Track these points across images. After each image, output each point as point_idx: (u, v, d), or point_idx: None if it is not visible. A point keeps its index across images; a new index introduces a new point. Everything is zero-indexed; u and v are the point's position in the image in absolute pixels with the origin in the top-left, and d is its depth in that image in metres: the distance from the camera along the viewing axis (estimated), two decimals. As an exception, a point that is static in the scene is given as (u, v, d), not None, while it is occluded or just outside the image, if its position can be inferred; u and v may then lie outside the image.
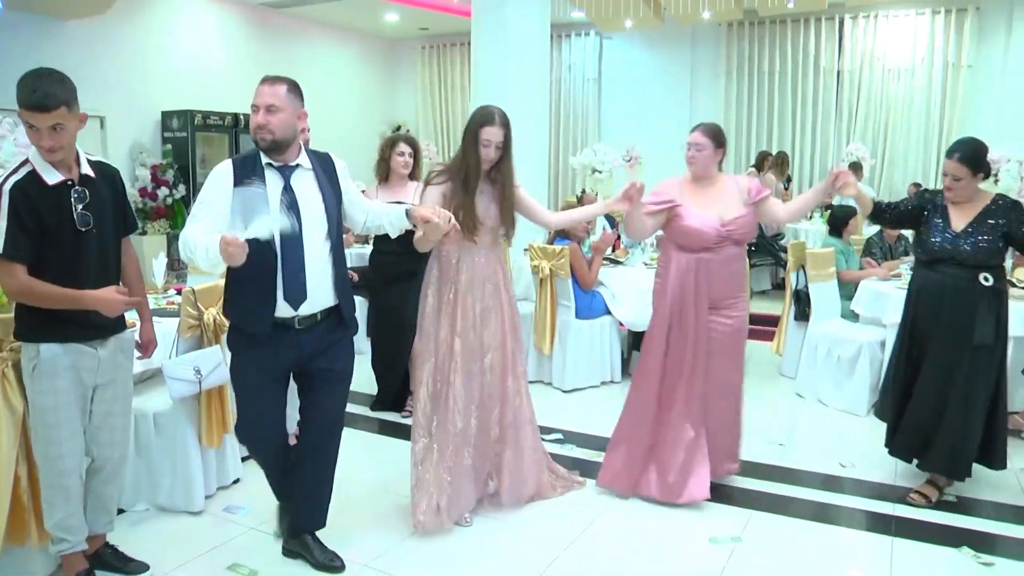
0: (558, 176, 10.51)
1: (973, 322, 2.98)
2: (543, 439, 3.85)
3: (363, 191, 3.83)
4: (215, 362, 2.90)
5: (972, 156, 3.01)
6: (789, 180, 8.80)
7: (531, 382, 4.78)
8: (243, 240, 2.12)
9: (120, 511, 2.85)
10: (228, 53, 8.86)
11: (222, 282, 2.65)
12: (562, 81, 10.56)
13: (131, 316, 2.61)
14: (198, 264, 2.28)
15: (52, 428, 2.28)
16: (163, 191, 7.64)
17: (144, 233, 7.38)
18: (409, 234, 2.74)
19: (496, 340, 2.97)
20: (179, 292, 3.39)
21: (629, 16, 8.57)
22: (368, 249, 5.34)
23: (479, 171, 2.86)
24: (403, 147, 4.09)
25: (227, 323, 2.68)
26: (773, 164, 8.16)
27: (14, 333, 2.30)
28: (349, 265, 5.09)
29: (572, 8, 8.91)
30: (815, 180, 9.40)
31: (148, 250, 6.54)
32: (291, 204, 2.37)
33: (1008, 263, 4.25)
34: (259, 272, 2.31)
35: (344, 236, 3.96)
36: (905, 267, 4.47)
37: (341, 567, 2.63)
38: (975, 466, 3.13)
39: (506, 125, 2.88)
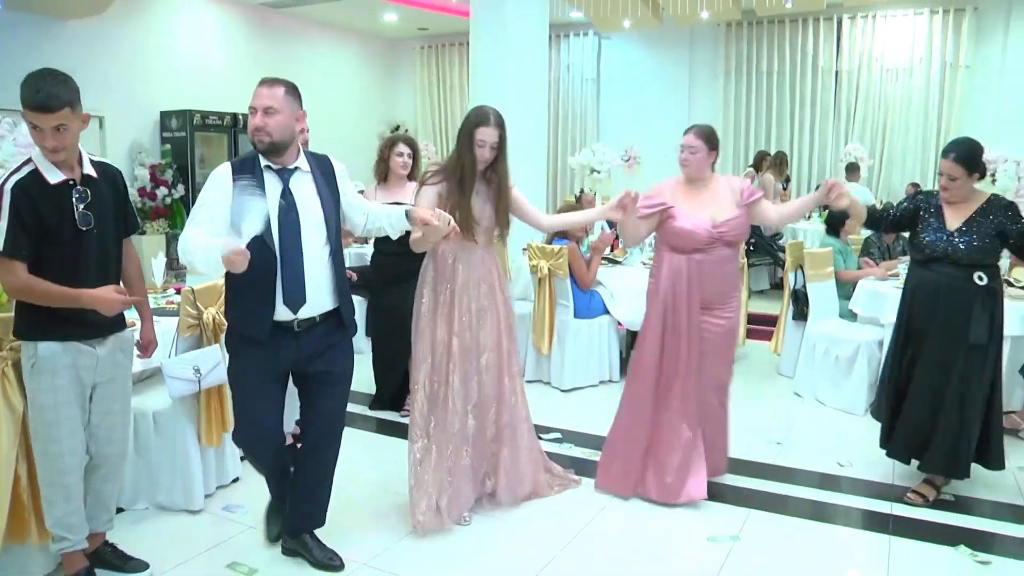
0: (556, 176, 10.52)
1: (968, 321, 2.99)
2: (541, 438, 3.86)
3: (362, 191, 3.84)
4: (214, 361, 2.91)
5: (968, 156, 3.02)
6: (788, 180, 8.81)
7: (530, 381, 4.83)
8: (244, 248, 2.14)
9: (120, 510, 2.85)
10: (227, 53, 8.87)
11: (221, 281, 2.66)
12: (561, 81, 10.58)
13: (131, 316, 2.61)
14: (197, 267, 2.29)
15: (51, 426, 2.29)
16: (162, 191, 7.64)
17: (143, 233, 7.38)
18: (410, 234, 2.75)
19: (492, 340, 2.98)
20: (178, 292, 3.40)
21: (627, 16, 8.58)
22: (367, 249, 5.38)
23: (475, 172, 2.87)
24: (402, 148, 4.10)
25: (226, 324, 2.68)
26: (772, 164, 8.18)
27: (13, 331, 2.31)
28: (348, 265, 5.11)
29: (571, 8, 8.92)
30: (814, 180, 9.42)
31: (147, 250, 6.54)
32: (289, 207, 2.38)
33: (1006, 262, 4.27)
34: (258, 276, 2.31)
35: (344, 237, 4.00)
36: (903, 267, 4.48)
37: (340, 566, 2.64)
38: (973, 465, 3.13)
39: (501, 125, 2.88)
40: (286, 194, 2.39)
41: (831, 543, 2.91)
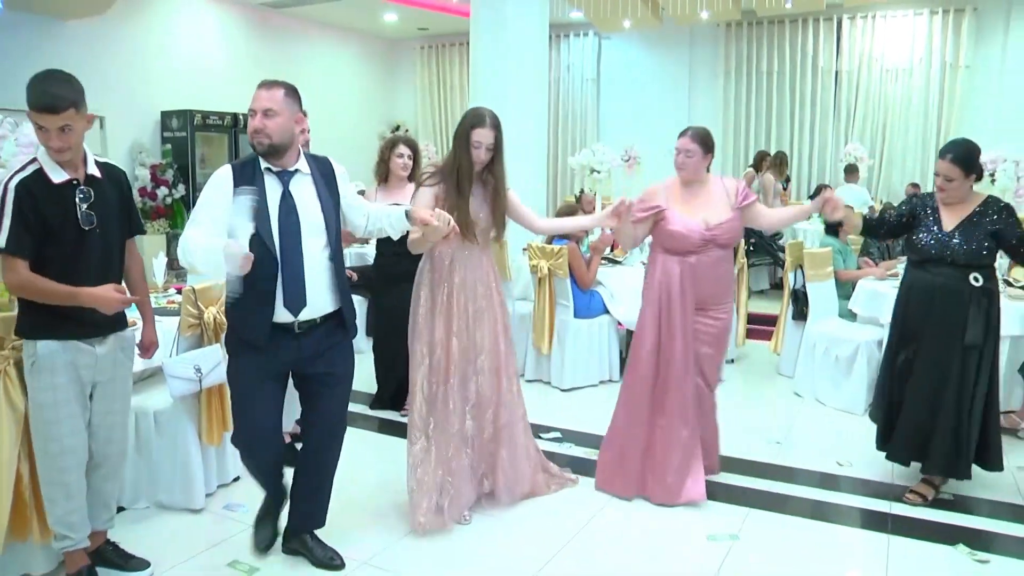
0: (557, 176, 10.53)
1: (964, 322, 2.99)
2: (541, 437, 3.88)
3: (362, 192, 3.85)
4: (215, 360, 2.91)
5: (965, 157, 3.02)
6: (788, 180, 8.82)
7: (529, 381, 4.84)
8: (247, 252, 2.15)
9: (121, 509, 2.86)
10: (228, 53, 8.87)
11: (222, 281, 2.66)
12: (561, 81, 10.58)
13: (133, 315, 2.62)
14: (198, 268, 2.28)
15: (51, 424, 2.30)
16: (162, 191, 7.65)
17: (144, 232, 7.39)
18: (409, 235, 2.76)
19: (489, 341, 2.98)
20: (179, 291, 3.40)
21: (627, 16, 8.59)
22: (367, 249, 5.39)
23: (471, 173, 2.88)
24: (402, 149, 4.11)
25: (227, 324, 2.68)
26: (772, 164, 8.19)
27: (16, 330, 2.33)
28: (348, 265, 5.11)
29: (571, 8, 8.93)
30: (814, 180, 9.43)
31: (148, 249, 6.51)
32: (289, 210, 2.38)
33: (1005, 262, 4.27)
34: (258, 279, 2.30)
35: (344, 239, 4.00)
36: (902, 266, 4.49)
37: (341, 564, 2.64)
38: (973, 466, 3.13)
39: (497, 127, 2.89)
40: (286, 197, 2.39)
41: (830, 542, 2.92)
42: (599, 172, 8.64)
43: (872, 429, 3.39)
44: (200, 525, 2.93)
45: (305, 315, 2.42)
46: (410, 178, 4.13)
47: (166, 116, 8.10)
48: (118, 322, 2.43)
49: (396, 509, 3.05)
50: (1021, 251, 3.05)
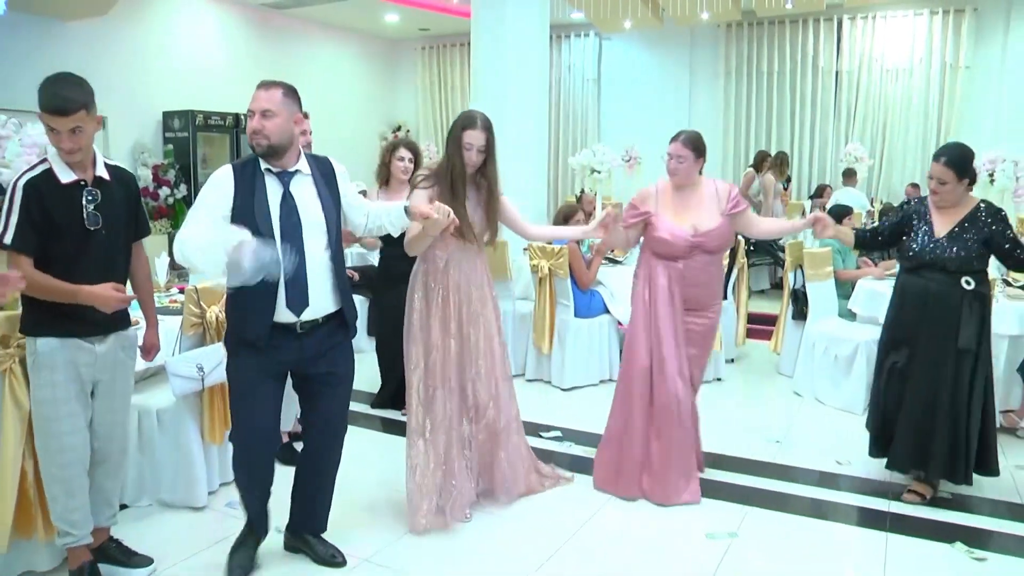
0: (557, 176, 10.56)
1: (957, 325, 2.99)
2: (542, 436, 3.91)
3: (363, 192, 3.87)
4: (217, 359, 2.92)
5: (958, 160, 3.01)
6: (789, 180, 8.83)
7: (530, 380, 4.86)
8: (248, 235, 2.14)
9: (124, 506, 2.88)
10: (229, 54, 8.90)
11: (220, 278, 2.64)
12: (561, 82, 10.61)
13: (136, 314, 2.64)
14: (196, 265, 2.26)
15: (51, 421, 2.32)
16: (164, 191, 7.68)
17: (149, 234, 7.41)
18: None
19: (484, 343, 3.00)
20: (181, 291, 3.42)
21: (628, 17, 8.61)
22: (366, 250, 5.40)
23: (464, 175, 2.89)
24: (403, 152, 4.13)
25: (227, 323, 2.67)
26: (772, 164, 8.20)
27: (20, 328, 2.35)
28: (350, 265, 5.12)
29: (571, 9, 8.95)
30: (814, 180, 9.45)
31: (150, 249, 6.49)
32: (290, 210, 2.38)
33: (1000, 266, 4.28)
34: (260, 280, 2.26)
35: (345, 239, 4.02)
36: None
37: (342, 562, 2.66)
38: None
39: (488, 129, 2.91)
40: (287, 197, 2.39)
41: (829, 540, 2.94)
42: (599, 172, 8.66)
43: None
44: (202, 523, 2.95)
45: (307, 315, 2.42)
46: (411, 181, 4.15)
47: (168, 116, 8.13)
48: (119, 321, 2.45)
49: (397, 507, 3.06)
50: (1014, 256, 3.03)
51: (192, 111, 8.00)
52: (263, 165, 2.39)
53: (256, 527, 2.62)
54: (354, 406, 4.23)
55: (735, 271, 5.28)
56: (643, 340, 3.19)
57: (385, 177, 4.19)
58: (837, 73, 9.31)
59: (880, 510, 3.14)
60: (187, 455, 3.00)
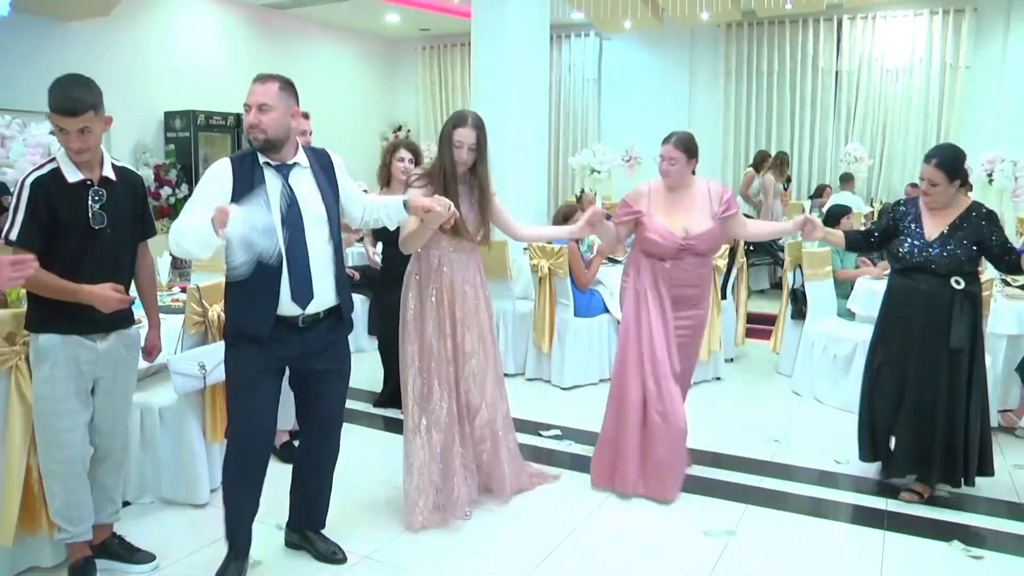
0: (558, 176, 10.57)
1: (948, 326, 2.99)
2: (541, 435, 3.93)
3: (365, 191, 3.88)
4: (219, 357, 2.92)
5: (950, 162, 3.02)
6: (789, 180, 8.84)
7: (530, 379, 4.88)
8: (229, 206, 2.12)
9: (126, 503, 2.91)
10: (230, 54, 8.92)
11: (209, 256, 2.58)
12: (562, 82, 10.62)
13: (139, 313, 2.66)
14: (189, 248, 2.23)
15: (51, 417, 2.34)
16: (166, 191, 7.70)
17: (155, 234, 7.43)
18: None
19: (477, 342, 3.02)
20: (183, 290, 3.44)
21: (628, 17, 8.62)
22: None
23: (456, 174, 2.91)
24: (403, 153, 4.15)
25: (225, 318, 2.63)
26: (773, 164, 8.22)
27: (25, 324, 2.38)
28: (349, 264, 5.12)
29: (571, 9, 8.97)
30: (814, 180, 9.47)
31: (152, 249, 6.59)
32: (291, 203, 2.37)
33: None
34: (262, 273, 2.28)
35: (346, 236, 4.04)
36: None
37: (343, 559, 2.67)
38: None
39: (479, 127, 2.92)
40: (286, 190, 2.38)
41: (827, 538, 2.95)
42: (599, 172, 8.69)
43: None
44: (204, 520, 2.96)
45: (310, 309, 2.42)
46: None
47: (169, 116, 8.15)
48: (121, 320, 2.46)
49: (397, 505, 3.08)
50: (1005, 259, 3.03)
51: (193, 111, 8.02)
52: (261, 159, 2.39)
53: (238, 549, 2.51)
54: (356, 405, 4.29)
55: (734, 271, 5.29)
56: (634, 339, 3.21)
57: (386, 178, 4.21)
58: (837, 73, 9.32)
59: (878, 509, 3.16)
60: (189, 453, 3.02)
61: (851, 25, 9.13)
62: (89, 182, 2.34)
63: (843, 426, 4.11)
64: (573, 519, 3.04)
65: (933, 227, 3.08)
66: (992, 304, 3.83)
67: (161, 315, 2.79)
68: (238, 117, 8.24)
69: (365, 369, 4.78)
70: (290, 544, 2.75)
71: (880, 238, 3.29)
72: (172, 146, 8.10)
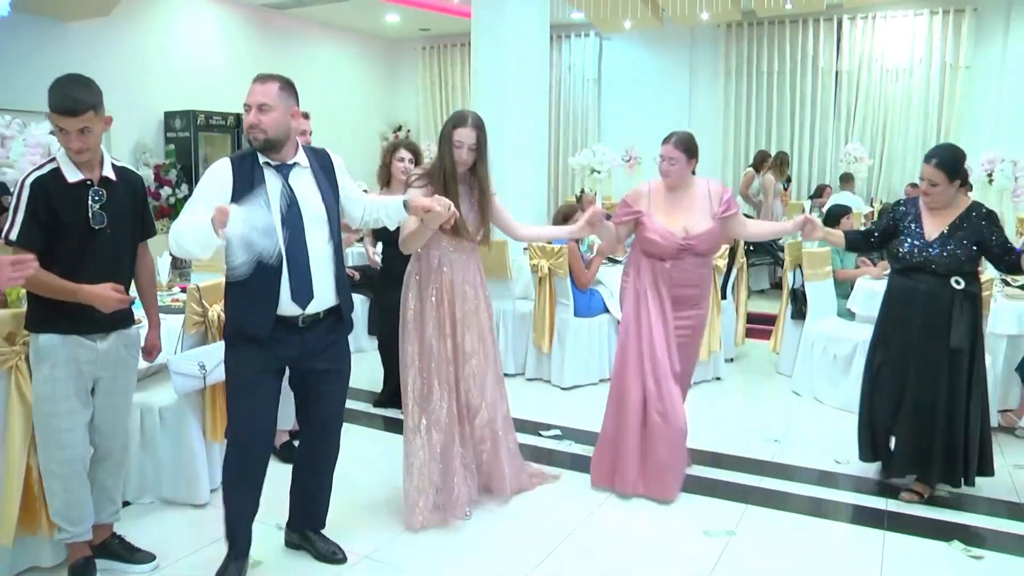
0: (557, 176, 10.58)
1: (948, 326, 2.99)
2: (542, 435, 3.93)
3: (365, 191, 3.89)
4: (219, 358, 2.92)
5: (949, 162, 3.01)
6: (789, 180, 8.85)
7: (530, 379, 4.88)
8: (228, 206, 2.11)
9: (126, 503, 2.91)
10: (230, 54, 8.92)
11: (208, 256, 2.58)
12: (562, 82, 10.62)
13: (140, 313, 2.66)
14: (189, 248, 2.23)
15: (50, 417, 2.34)
16: (166, 191, 7.71)
17: (155, 235, 7.43)
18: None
19: (477, 342, 3.02)
20: (183, 290, 3.44)
21: (628, 17, 8.63)
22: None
23: (455, 174, 2.91)
24: (403, 153, 4.16)
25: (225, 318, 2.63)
26: (773, 164, 8.23)
27: (25, 324, 2.38)
28: (350, 264, 5.12)
29: (571, 9, 8.97)
30: (814, 180, 9.47)
31: (152, 249, 6.59)
32: (291, 203, 2.37)
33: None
34: (262, 273, 2.28)
35: (346, 236, 4.04)
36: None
37: (343, 559, 2.67)
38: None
39: (479, 127, 2.92)
40: (287, 190, 2.38)
41: (827, 538, 2.95)
42: (600, 172, 8.69)
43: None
44: (204, 520, 2.96)
45: (311, 308, 2.42)
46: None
47: (169, 116, 8.16)
48: (122, 320, 2.46)
49: (397, 505, 3.08)
50: (1005, 259, 3.03)
51: (193, 111, 8.02)
52: (261, 159, 2.39)
53: (238, 549, 2.51)
54: (356, 405, 4.29)
55: (735, 271, 5.30)
56: (634, 339, 3.21)
57: (386, 178, 4.21)
58: (837, 73, 9.32)
59: (878, 509, 3.16)
60: (189, 453, 3.02)
61: (851, 25, 9.13)
62: (89, 182, 2.34)
63: (843, 426, 4.11)
64: (573, 519, 3.04)
65: (933, 227, 3.08)
66: (992, 304, 3.83)
67: (161, 315, 2.79)
68: (238, 117, 8.24)
69: (365, 369, 4.78)
70: (290, 544, 2.75)
71: (880, 238, 3.29)
72: (172, 146, 8.10)
